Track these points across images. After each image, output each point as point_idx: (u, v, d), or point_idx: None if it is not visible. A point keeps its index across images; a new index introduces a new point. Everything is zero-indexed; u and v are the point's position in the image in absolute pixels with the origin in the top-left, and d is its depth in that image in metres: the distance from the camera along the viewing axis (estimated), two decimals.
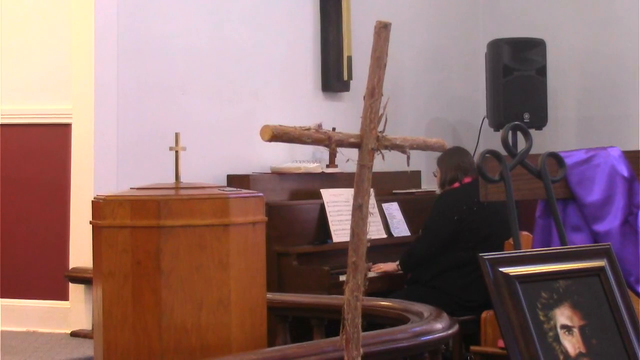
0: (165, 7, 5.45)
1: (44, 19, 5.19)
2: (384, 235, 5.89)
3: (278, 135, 2.21)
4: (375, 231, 5.76)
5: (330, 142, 2.28)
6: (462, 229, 5.28)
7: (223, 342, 3.25)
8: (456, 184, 5.48)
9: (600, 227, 3.50)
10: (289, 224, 5.48)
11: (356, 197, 2.32)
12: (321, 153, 6.10)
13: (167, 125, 5.16)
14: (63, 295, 5.06)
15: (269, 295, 3.61)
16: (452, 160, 5.52)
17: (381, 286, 5.41)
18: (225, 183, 5.38)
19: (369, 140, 2.32)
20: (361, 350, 2.34)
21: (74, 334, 4.92)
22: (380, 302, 4.01)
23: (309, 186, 5.78)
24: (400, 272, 5.54)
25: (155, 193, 3.33)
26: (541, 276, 2.72)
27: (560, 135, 7.09)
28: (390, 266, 5.55)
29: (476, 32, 7.51)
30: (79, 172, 5.06)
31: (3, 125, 5.18)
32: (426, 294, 5.08)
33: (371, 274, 5.47)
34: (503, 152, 3.04)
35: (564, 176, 3.26)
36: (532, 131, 3.45)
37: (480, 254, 2.68)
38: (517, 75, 6.65)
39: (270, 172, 5.80)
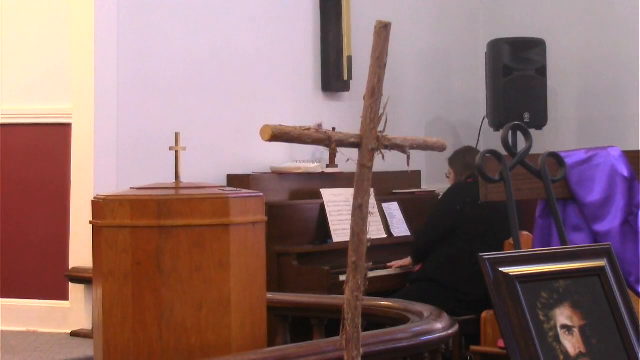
0: (165, 7, 5.45)
1: (43, 19, 5.18)
2: (384, 235, 5.89)
3: (278, 135, 2.21)
4: (375, 231, 5.76)
5: (330, 142, 2.28)
6: (462, 220, 5.34)
7: (223, 342, 3.25)
8: (469, 181, 5.52)
9: (600, 227, 3.50)
10: (289, 224, 5.48)
11: (356, 197, 2.32)
12: (321, 153, 6.10)
13: (167, 125, 5.15)
14: (63, 295, 5.05)
15: (269, 295, 3.61)
16: (466, 159, 5.56)
17: (381, 286, 5.42)
18: (225, 183, 5.38)
19: (369, 140, 2.32)
20: (361, 350, 2.34)
21: (74, 334, 4.92)
22: (380, 302, 4.01)
23: (309, 186, 5.78)
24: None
25: (155, 193, 3.33)
26: (541, 276, 2.72)
27: (560, 135, 7.08)
28: (406, 261, 5.66)
29: (476, 32, 7.50)
30: (79, 172, 5.06)
31: (3, 125, 5.18)
32: (426, 289, 5.12)
33: (389, 271, 5.54)
34: (503, 152, 3.05)
35: (564, 176, 3.26)
36: (532, 131, 3.45)
37: (480, 254, 2.68)
38: (517, 75, 6.64)
39: (270, 172, 5.80)
